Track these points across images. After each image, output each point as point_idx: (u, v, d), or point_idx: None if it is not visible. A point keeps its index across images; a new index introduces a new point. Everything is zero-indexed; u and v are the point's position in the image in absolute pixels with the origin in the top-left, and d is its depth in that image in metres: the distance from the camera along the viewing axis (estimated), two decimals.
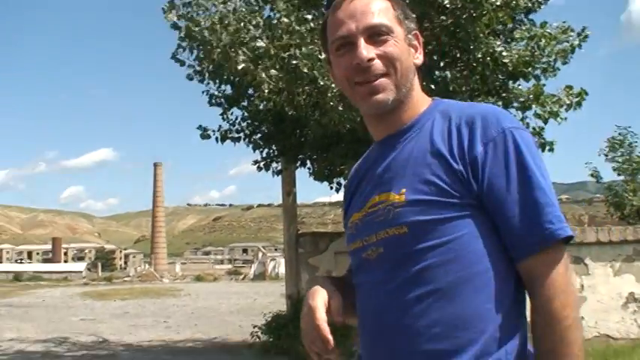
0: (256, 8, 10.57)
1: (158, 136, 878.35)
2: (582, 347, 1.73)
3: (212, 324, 20.35)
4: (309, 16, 9.68)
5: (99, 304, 31.73)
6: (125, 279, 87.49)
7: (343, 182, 11.83)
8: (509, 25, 10.50)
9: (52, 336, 17.08)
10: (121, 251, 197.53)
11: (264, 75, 9.56)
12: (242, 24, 9.93)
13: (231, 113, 12.03)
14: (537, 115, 10.64)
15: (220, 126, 11.94)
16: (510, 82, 10.54)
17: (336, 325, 1.88)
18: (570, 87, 10.75)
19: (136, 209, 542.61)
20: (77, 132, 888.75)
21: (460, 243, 1.76)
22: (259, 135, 12.11)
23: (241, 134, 12.07)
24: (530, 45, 10.43)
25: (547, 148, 10.98)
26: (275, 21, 10.16)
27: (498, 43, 10.05)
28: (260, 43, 9.62)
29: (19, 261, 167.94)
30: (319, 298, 1.91)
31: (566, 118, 10.74)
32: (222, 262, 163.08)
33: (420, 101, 2.00)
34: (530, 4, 10.54)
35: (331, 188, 12.60)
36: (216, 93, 11.70)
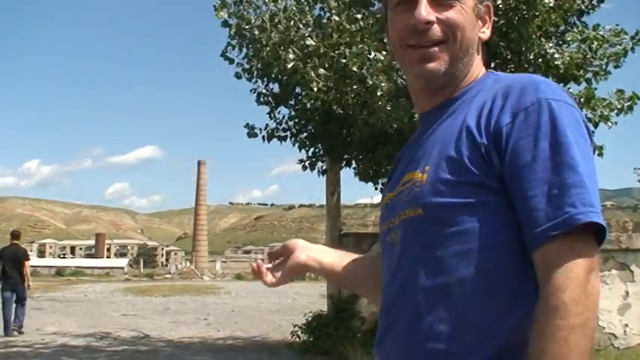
0: (306, 7, 10.57)
1: (203, 135, 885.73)
2: (586, 358, 1.40)
3: (252, 322, 20.39)
4: (359, 15, 9.65)
5: (140, 300, 31.97)
6: (166, 276, 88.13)
7: None
8: (562, 27, 10.35)
9: (94, 331, 17.25)
10: (162, 248, 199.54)
11: (313, 73, 9.55)
12: (292, 22, 9.96)
13: (279, 112, 12.06)
14: (588, 119, 10.44)
15: (267, 124, 11.98)
16: (561, 84, 10.38)
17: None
18: (622, 91, 10.57)
19: (178, 207, 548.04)
20: (123, 129, 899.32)
21: (478, 234, 1.54)
22: (305, 134, 12.11)
23: (288, 133, 12.08)
24: (582, 47, 10.28)
25: (596, 152, 10.80)
26: (325, 20, 10.18)
27: (550, 45, 9.93)
28: (310, 42, 9.62)
29: (62, 256, 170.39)
30: (283, 247, 2.13)
31: (616, 123, 10.57)
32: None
33: (475, 75, 1.79)
34: (583, 7, 10.39)
35: (376, 189, 12.54)
36: (264, 91, 11.71)
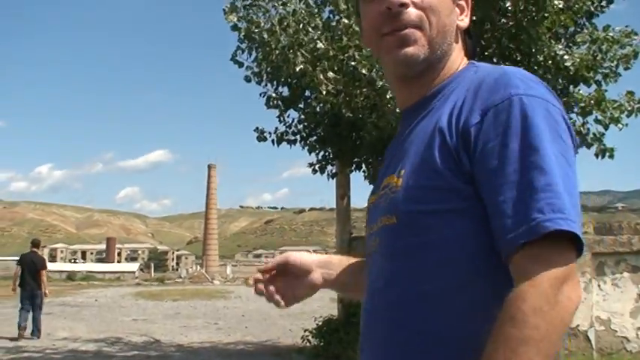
0: (316, 10, 10.57)
1: (213, 138, 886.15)
2: None
3: (262, 327, 20.40)
4: None
5: (151, 305, 32.04)
6: (177, 280, 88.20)
7: None
8: (571, 29, 10.30)
9: (104, 336, 17.29)
10: (173, 252, 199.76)
11: (322, 76, 9.55)
12: (301, 25, 9.97)
13: (288, 115, 12.06)
14: (598, 121, 10.41)
15: (277, 128, 11.98)
16: (571, 86, 10.33)
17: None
18: (632, 92, 10.51)
19: (189, 211, 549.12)
20: (134, 133, 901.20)
21: (451, 242, 1.47)
22: (315, 137, 12.11)
23: (297, 136, 12.07)
24: (592, 49, 10.23)
25: (607, 154, 10.72)
26: (334, 22, 10.17)
27: (560, 46, 9.87)
28: (319, 45, 9.62)
29: (73, 260, 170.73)
30: (281, 259, 2.00)
31: (627, 125, 10.51)
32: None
33: (455, 66, 1.71)
34: (592, 8, 10.34)
35: None
36: (273, 95, 11.70)
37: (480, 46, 9.69)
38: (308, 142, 12.05)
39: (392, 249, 1.57)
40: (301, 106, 11.84)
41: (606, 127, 10.39)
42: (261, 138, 11.81)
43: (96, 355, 13.88)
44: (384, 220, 1.59)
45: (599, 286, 11.46)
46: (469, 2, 1.79)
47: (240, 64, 11.00)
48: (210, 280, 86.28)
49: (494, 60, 9.65)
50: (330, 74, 9.52)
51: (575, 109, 10.36)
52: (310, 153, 12.21)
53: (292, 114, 12.10)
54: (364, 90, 9.60)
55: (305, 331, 13.28)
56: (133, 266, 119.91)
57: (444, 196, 1.48)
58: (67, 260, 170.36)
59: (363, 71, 9.09)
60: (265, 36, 10.02)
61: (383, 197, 1.64)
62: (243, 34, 10.42)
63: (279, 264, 1.98)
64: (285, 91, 11.76)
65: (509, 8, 9.26)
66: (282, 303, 1.96)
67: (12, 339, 15.92)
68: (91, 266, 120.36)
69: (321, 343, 12.74)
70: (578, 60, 9.80)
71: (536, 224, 1.33)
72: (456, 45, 1.73)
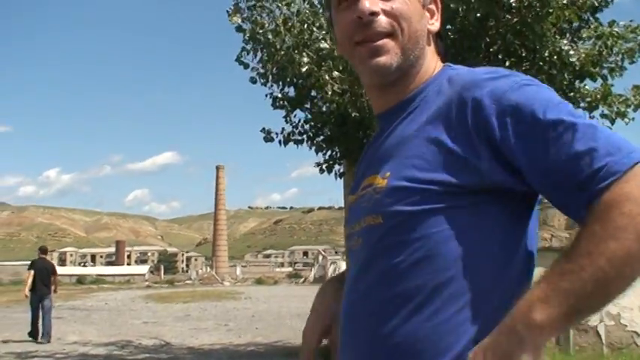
0: (320, 10, 10.57)
1: (221, 139, 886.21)
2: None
3: (273, 328, 20.41)
4: None
5: (161, 307, 32.13)
6: (187, 282, 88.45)
7: None
8: (576, 24, 10.29)
9: (115, 339, 17.34)
10: (182, 254, 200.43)
11: (327, 77, 9.57)
12: (305, 25, 9.99)
13: (294, 115, 12.04)
14: (604, 116, 10.41)
15: (283, 128, 11.98)
16: (577, 81, 10.32)
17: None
18: (638, 87, 10.50)
19: (198, 212, 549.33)
20: (142, 135, 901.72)
21: (435, 241, 1.49)
22: (322, 137, 12.09)
23: (304, 136, 12.06)
24: (597, 44, 10.21)
25: None
26: None
27: (565, 42, 9.86)
28: (324, 45, 9.63)
29: (82, 264, 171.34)
30: (316, 322, 1.88)
31: (633, 119, 10.51)
32: (282, 265, 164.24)
33: (431, 70, 1.74)
34: (596, 3, 10.32)
35: None
36: (279, 95, 11.70)
37: (484, 42, 9.70)
38: (315, 141, 12.03)
39: (375, 248, 1.59)
40: (307, 106, 11.83)
41: (613, 122, 10.38)
42: (268, 138, 11.82)
43: (106, 359, 13.92)
44: (369, 219, 1.61)
45: None
46: (439, 6, 1.81)
47: (246, 65, 11.01)
48: (220, 282, 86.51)
49: (500, 56, 9.66)
50: (336, 74, 9.53)
51: (582, 104, 10.36)
52: (317, 153, 12.20)
53: (299, 114, 12.09)
54: None
55: None
56: (143, 269, 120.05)
57: (433, 196, 1.50)
58: (76, 264, 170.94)
59: None
60: (270, 37, 10.03)
61: (365, 197, 1.66)
62: (247, 35, 10.43)
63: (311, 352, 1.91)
64: (291, 91, 11.76)
65: (514, 4, 9.24)
66: None
67: (31, 341, 16.19)
68: (100, 269, 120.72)
69: None
70: (583, 55, 9.79)
71: (625, 155, 1.34)
72: (428, 48, 1.76)
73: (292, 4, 10.25)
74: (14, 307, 28.18)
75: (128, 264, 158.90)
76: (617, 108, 10.28)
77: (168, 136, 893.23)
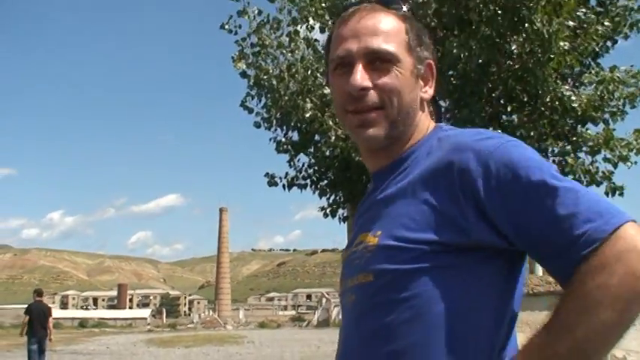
0: (323, 56, 10.67)
1: (225, 182, 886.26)
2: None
3: None
4: None
5: (163, 352, 31.94)
6: (189, 325, 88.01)
7: None
8: (577, 70, 10.37)
9: None
10: (185, 297, 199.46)
11: (331, 122, 9.64)
12: (309, 72, 10.07)
13: (298, 160, 12.07)
14: (607, 160, 10.44)
15: (287, 173, 12.01)
16: (579, 126, 10.38)
17: None
18: (639, 130, 10.55)
19: (201, 255, 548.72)
20: (146, 178, 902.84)
21: (425, 300, 1.52)
22: (325, 181, 12.11)
23: (308, 181, 12.09)
24: (599, 89, 10.28)
25: (617, 192, 10.73)
26: None
27: (566, 87, 9.93)
28: (327, 91, 9.70)
29: (84, 307, 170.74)
30: None
31: (636, 162, 10.52)
32: (285, 308, 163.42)
33: (423, 131, 1.79)
34: (597, 49, 10.42)
35: None
36: (283, 140, 11.76)
37: (486, 88, 9.77)
38: (319, 186, 12.04)
39: (367, 306, 1.62)
40: (311, 150, 11.87)
41: (615, 166, 10.40)
42: (272, 183, 11.85)
43: None
44: (361, 277, 1.64)
45: None
46: (434, 72, 1.84)
47: (250, 110, 11.08)
48: (222, 325, 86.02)
49: (502, 101, 9.72)
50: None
51: (584, 149, 10.40)
52: (321, 197, 12.22)
53: (302, 158, 12.13)
54: None
55: None
56: (145, 312, 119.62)
57: (423, 255, 1.53)
58: (78, 307, 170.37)
59: None
60: (274, 82, 10.11)
61: (358, 254, 1.68)
62: (252, 80, 10.53)
63: None
64: (294, 135, 11.82)
65: (515, 51, 9.33)
66: None
67: None
68: (102, 313, 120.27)
69: None
70: (585, 100, 9.83)
71: (605, 222, 1.37)
72: (421, 114, 1.80)
73: (296, 51, 10.36)
74: (15, 350, 28.05)
75: (130, 307, 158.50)
76: (620, 152, 10.30)
77: (172, 178, 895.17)
